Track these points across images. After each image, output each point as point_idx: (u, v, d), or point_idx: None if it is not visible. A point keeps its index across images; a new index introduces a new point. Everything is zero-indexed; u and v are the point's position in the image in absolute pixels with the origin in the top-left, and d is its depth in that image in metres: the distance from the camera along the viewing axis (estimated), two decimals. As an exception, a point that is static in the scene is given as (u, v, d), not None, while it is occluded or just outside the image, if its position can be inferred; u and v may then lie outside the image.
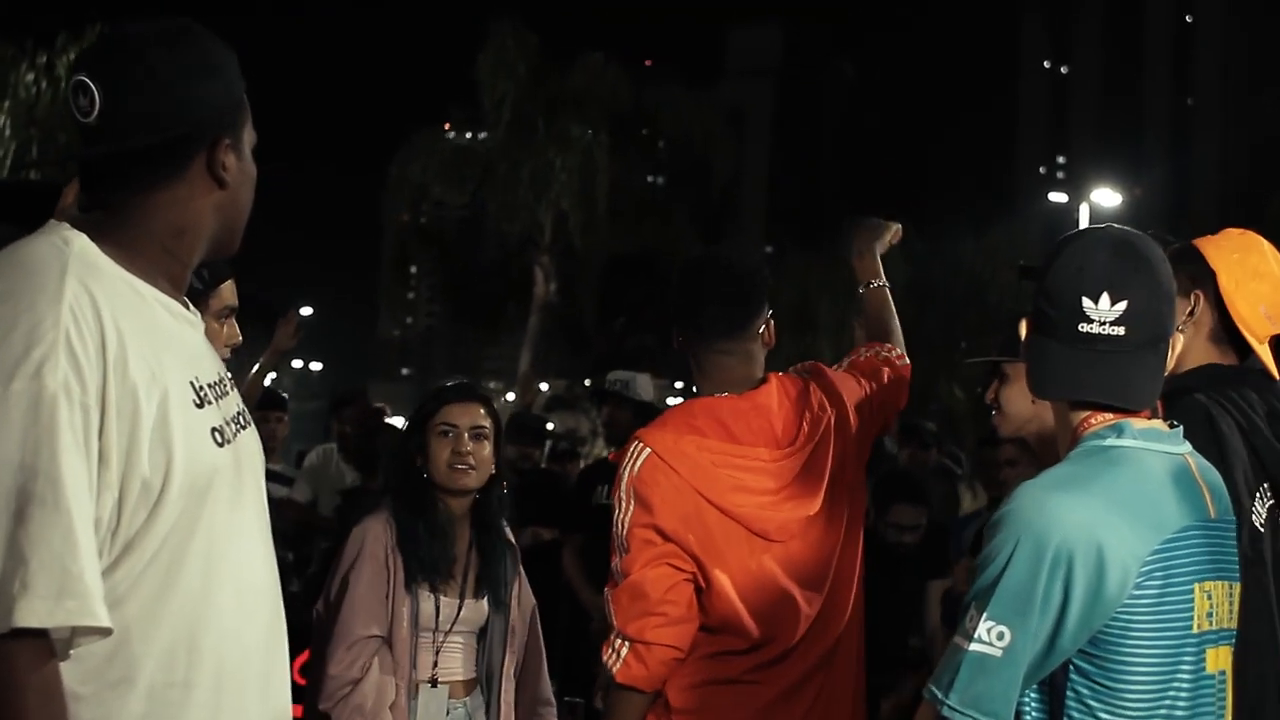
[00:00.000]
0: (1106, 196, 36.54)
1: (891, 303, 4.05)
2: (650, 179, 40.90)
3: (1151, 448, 2.38)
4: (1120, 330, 2.33)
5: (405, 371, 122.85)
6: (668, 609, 3.33)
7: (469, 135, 35.16)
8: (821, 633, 3.44)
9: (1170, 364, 2.45)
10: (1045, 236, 46.12)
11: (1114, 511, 2.25)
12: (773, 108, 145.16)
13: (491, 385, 70.68)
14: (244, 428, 2.38)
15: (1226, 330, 3.28)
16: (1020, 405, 3.93)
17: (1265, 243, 3.37)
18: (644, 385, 7.53)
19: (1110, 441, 2.36)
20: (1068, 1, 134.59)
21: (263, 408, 8.82)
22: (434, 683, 4.16)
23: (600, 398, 7.93)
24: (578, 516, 7.25)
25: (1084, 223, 35.94)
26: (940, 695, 2.23)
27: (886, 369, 3.79)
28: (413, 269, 40.11)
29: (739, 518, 3.36)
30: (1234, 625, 2.45)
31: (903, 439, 9.37)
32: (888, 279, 4.10)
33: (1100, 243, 2.40)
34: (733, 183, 45.35)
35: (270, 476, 8.42)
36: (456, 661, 4.20)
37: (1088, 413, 2.41)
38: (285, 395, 9.99)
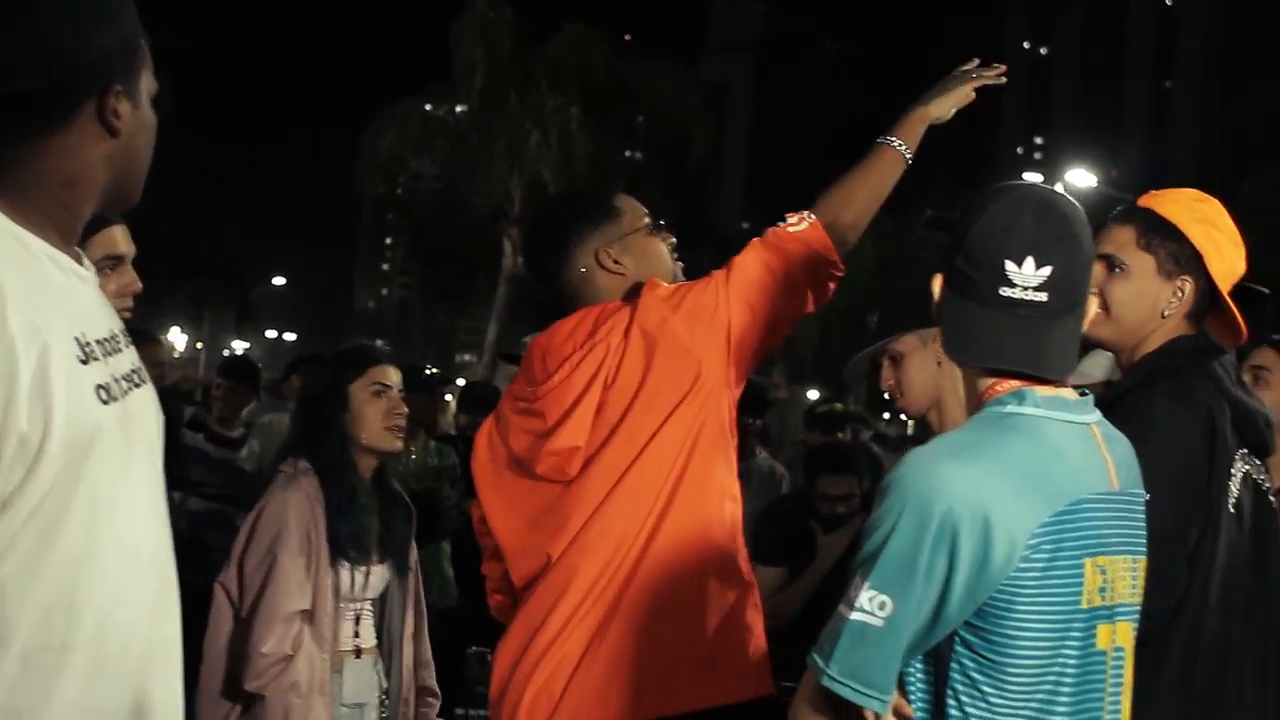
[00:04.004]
0: (1081, 177, 36.58)
1: (880, 164, 3.46)
2: (629, 154, 40.80)
3: (1054, 416, 2.31)
4: (1043, 296, 2.27)
5: (380, 343, 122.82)
6: (485, 541, 3.47)
7: (446, 108, 34.94)
8: (566, 577, 3.24)
9: (1085, 327, 2.40)
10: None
11: (1004, 481, 2.19)
12: (754, 84, 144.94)
13: (467, 358, 70.67)
14: (137, 386, 2.31)
15: (1200, 306, 3.26)
16: (921, 378, 3.90)
17: (1216, 202, 3.35)
18: None
19: (1010, 409, 2.30)
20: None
21: (230, 376, 8.75)
22: (358, 653, 4.09)
23: (509, 361, 7.84)
24: None
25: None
26: (821, 664, 2.18)
27: (755, 262, 3.32)
28: (388, 240, 40.08)
29: (517, 457, 3.39)
30: (1136, 600, 2.40)
31: (809, 426, 9.21)
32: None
33: (1025, 203, 2.32)
34: (712, 159, 45.30)
35: (224, 442, 8.37)
36: (369, 629, 4.14)
37: (995, 379, 2.34)
38: (259, 365, 9.88)
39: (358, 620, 4.11)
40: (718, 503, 3.31)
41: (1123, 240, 3.24)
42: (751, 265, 3.32)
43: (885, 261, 36.53)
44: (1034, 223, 2.30)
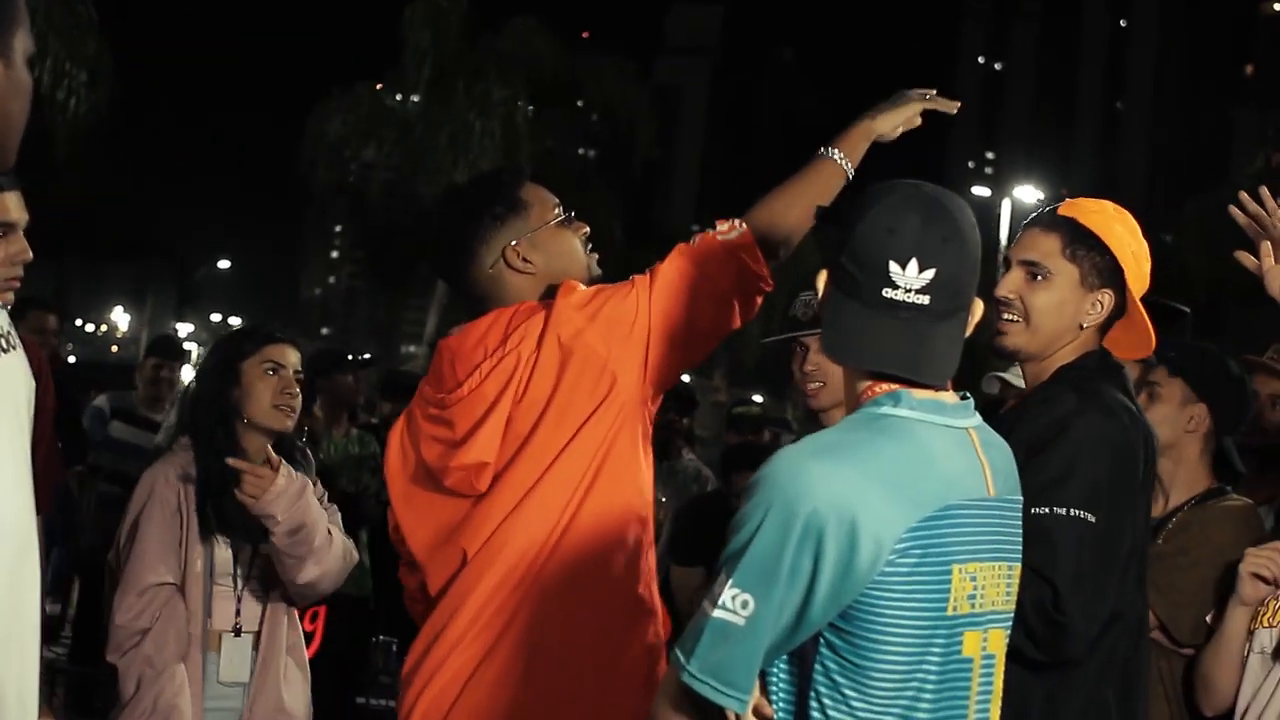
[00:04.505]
0: (1030, 193, 36.84)
1: (819, 176, 3.32)
2: (580, 151, 40.67)
3: (929, 419, 2.27)
4: (925, 299, 2.23)
5: (326, 331, 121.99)
6: (401, 549, 3.35)
7: (395, 96, 34.66)
8: (464, 592, 3.14)
9: (969, 331, 2.38)
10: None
11: (872, 484, 2.15)
12: (709, 88, 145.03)
13: (412, 349, 70.37)
14: (5, 351, 2.25)
15: (1111, 319, 3.26)
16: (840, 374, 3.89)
17: (1130, 216, 3.35)
18: None
19: (885, 410, 2.27)
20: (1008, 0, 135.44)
21: (159, 355, 8.62)
22: (237, 631, 4.04)
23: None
24: None
25: (1005, 218, 36.13)
26: (682, 660, 2.14)
27: (680, 270, 3.15)
28: (337, 228, 39.78)
29: (428, 467, 3.24)
30: (1008, 608, 2.37)
31: (729, 427, 9.21)
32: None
33: (912, 203, 2.28)
34: (664, 160, 45.21)
35: (150, 425, 8.24)
36: (253, 609, 4.08)
37: (873, 380, 2.31)
38: (188, 347, 9.73)
39: (239, 600, 4.05)
40: (620, 524, 3.16)
41: (1047, 249, 3.21)
42: (675, 274, 3.13)
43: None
44: (920, 224, 2.25)
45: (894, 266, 2.24)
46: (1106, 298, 3.22)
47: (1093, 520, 2.97)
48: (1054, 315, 3.20)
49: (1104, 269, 3.21)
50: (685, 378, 7.43)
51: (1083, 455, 3.03)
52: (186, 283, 60.54)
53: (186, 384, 4.58)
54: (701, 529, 6.04)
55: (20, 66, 2.16)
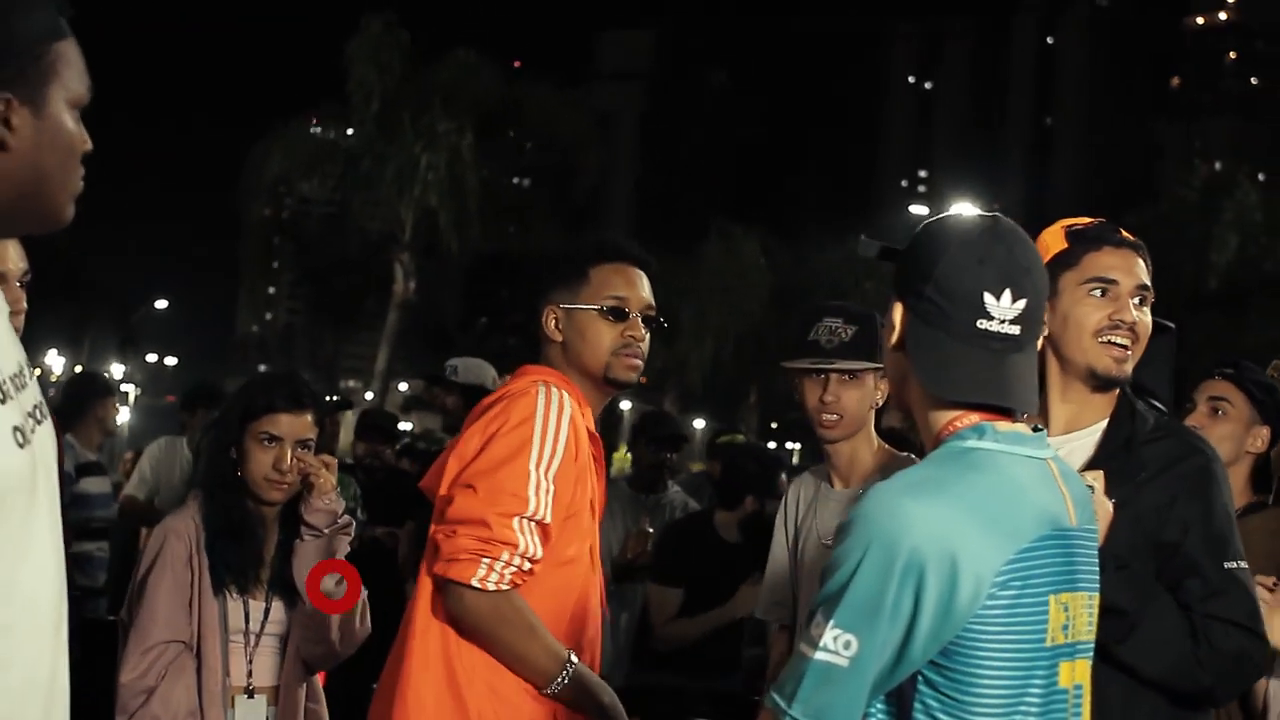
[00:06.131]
0: (967, 209, 37.14)
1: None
2: (515, 180, 40.71)
3: (1013, 451, 2.26)
4: (1016, 330, 2.23)
5: (263, 368, 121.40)
6: None
7: (336, 131, 34.51)
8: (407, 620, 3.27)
9: None
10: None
11: (969, 518, 2.13)
12: (642, 112, 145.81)
13: (352, 384, 70.01)
14: (40, 422, 2.14)
15: None
16: (861, 408, 3.91)
17: None
18: (471, 369, 7.29)
19: (971, 443, 2.24)
20: (938, 20, 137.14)
21: (92, 395, 8.41)
22: (250, 692, 3.92)
23: (434, 384, 7.75)
24: (425, 514, 7.09)
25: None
26: (783, 704, 2.10)
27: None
28: (274, 264, 39.50)
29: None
30: (1092, 637, 2.35)
31: (710, 456, 9.14)
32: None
33: (995, 233, 2.28)
34: (600, 185, 45.38)
35: (89, 470, 8.04)
36: (267, 667, 3.96)
37: (957, 413, 2.28)
38: (117, 382, 9.59)
39: (251, 659, 3.93)
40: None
41: (1143, 271, 3.21)
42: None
43: (780, 292, 36.82)
44: (1007, 254, 2.25)
45: (989, 297, 2.23)
46: None
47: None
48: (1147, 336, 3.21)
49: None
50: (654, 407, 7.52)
51: (1215, 493, 3.09)
52: (125, 324, 59.96)
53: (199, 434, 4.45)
54: (682, 551, 6.08)
55: (57, 117, 2.07)
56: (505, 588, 3.01)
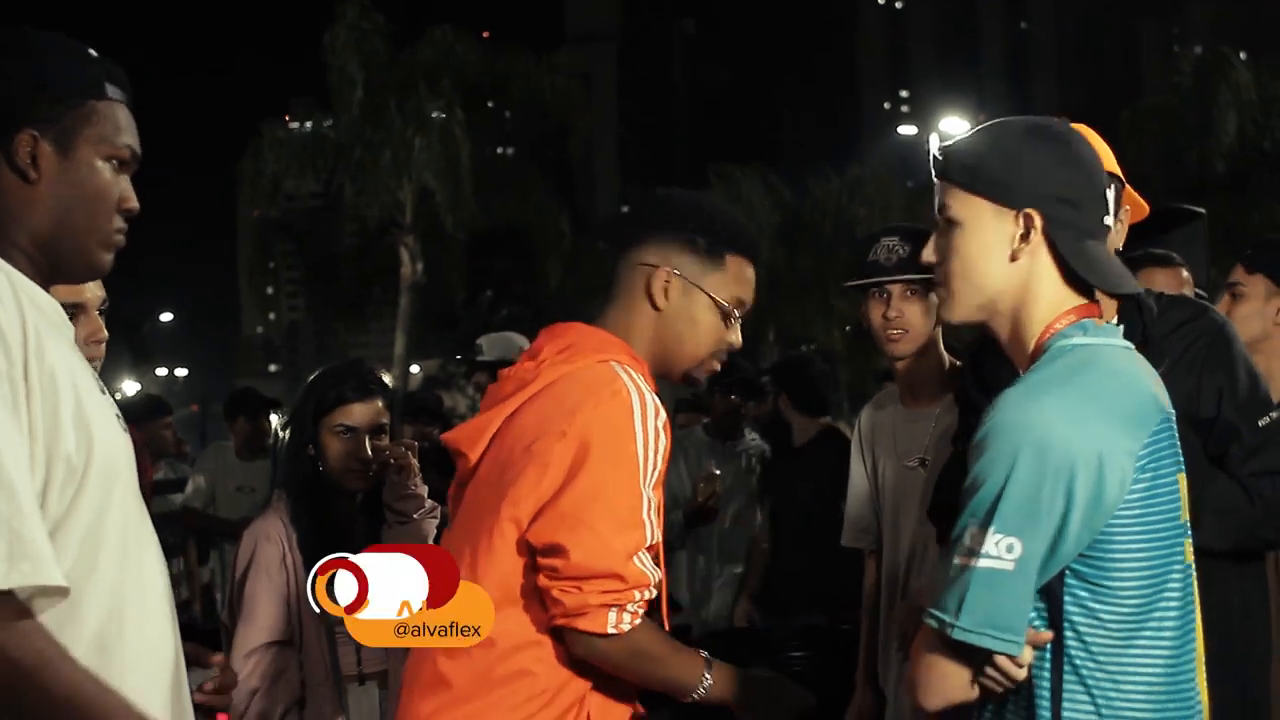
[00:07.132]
0: (955, 125, 37.00)
1: (681, 673, 2.82)
2: (500, 150, 40.51)
3: (1112, 343, 2.34)
4: (1112, 220, 2.38)
5: (273, 368, 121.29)
6: None
7: (324, 124, 34.28)
8: None
9: None
10: (901, 168, 46.79)
11: (1103, 411, 2.20)
12: (617, 71, 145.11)
13: (366, 373, 69.69)
14: (125, 431, 2.28)
15: None
16: (926, 323, 3.96)
17: None
18: (497, 343, 7.02)
19: (1077, 340, 2.30)
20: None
21: (151, 415, 8.60)
22: (361, 679, 4.00)
23: (477, 369, 7.70)
24: None
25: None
26: (949, 619, 2.14)
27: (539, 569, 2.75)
28: (271, 264, 39.40)
29: None
30: (1187, 517, 2.39)
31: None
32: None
33: (1075, 136, 2.37)
34: (585, 148, 45.06)
35: (163, 487, 8.20)
36: (373, 651, 4.02)
37: (1057, 313, 2.33)
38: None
39: (357, 646, 4.00)
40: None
41: None
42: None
43: (787, 227, 36.70)
44: (1092, 154, 2.35)
45: (1109, 194, 2.39)
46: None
47: None
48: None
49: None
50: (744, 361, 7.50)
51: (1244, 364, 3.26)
52: (133, 341, 59.97)
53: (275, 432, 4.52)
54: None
55: (86, 163, 2.19)
56: (637, 624, 2.72)
